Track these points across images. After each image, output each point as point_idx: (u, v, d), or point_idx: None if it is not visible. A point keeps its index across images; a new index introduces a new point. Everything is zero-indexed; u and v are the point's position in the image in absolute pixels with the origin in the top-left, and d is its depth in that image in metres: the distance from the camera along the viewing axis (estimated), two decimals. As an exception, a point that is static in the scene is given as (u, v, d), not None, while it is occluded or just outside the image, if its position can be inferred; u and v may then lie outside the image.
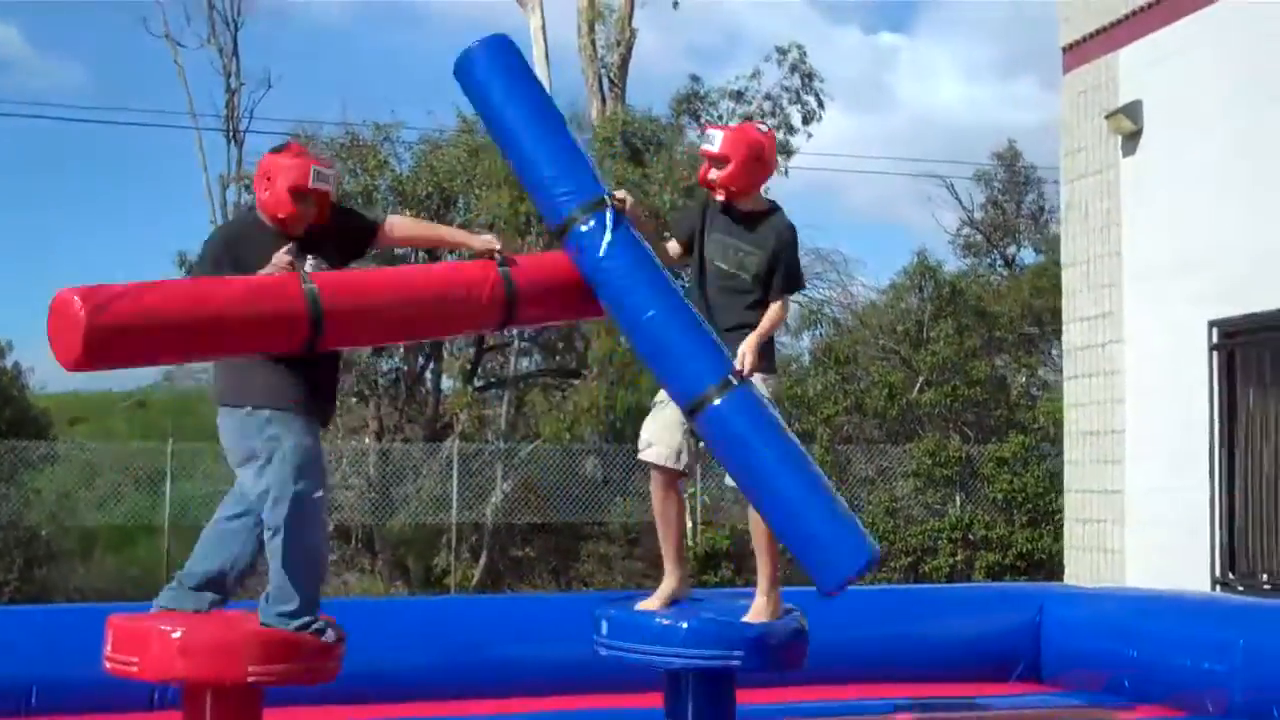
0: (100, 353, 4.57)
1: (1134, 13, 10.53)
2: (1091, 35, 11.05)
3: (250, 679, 4.97)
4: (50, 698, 6.76)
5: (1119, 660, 7.47)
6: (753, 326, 5.44)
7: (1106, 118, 10.60)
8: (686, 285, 5.74)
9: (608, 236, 5.27)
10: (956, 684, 7.80)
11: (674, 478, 5.50)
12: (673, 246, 5.69)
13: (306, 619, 5.11)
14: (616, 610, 5.50)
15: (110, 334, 4.53)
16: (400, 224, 6.02)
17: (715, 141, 5.59)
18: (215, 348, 4.97)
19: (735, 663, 5.27)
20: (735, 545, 17.90)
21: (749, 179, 5.63)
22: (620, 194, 5.39)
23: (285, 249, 5.06)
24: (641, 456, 5.49)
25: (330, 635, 5.18)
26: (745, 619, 5.41)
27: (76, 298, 4.48)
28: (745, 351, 5.30)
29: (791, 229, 5.66)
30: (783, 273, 5.58)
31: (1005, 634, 8.17)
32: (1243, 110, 9.48)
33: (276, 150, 5.42)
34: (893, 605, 8.68)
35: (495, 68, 5.51)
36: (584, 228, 5.30)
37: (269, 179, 5.24)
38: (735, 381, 5.16)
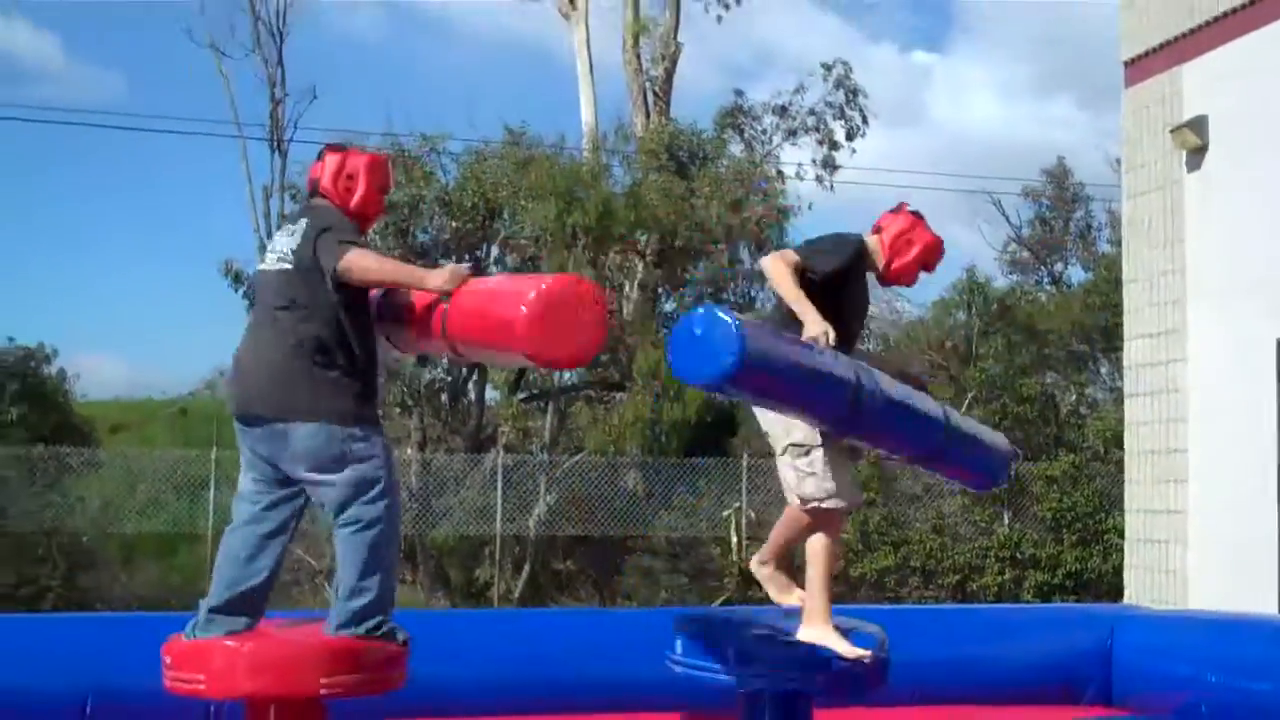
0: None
1: (1199, 27, 10.32)
2: (1155, 49, 10.86)
3: (321, 692, 4.85)
4: (106, 709, 6.61)
5: (1195, 684, 7.27)
6: None
7: (1171, 132, 10.42)
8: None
9: None
10: (1025, 706, 7.62)
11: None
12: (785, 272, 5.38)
13: (381, 618, 5.00)
14: (694, 626, 5.38)
15: None
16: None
17: None
18: None
19: (817, 688, 5.15)
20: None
21: None
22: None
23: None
24: (830, 505, 5.44)
25: (400, 636, 5.07)
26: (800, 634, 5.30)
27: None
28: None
29: None
30: None
31: (1076, 656, 7.98)
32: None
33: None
34: (960, 625, 8.51)
35: None
36: None
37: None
38: None
